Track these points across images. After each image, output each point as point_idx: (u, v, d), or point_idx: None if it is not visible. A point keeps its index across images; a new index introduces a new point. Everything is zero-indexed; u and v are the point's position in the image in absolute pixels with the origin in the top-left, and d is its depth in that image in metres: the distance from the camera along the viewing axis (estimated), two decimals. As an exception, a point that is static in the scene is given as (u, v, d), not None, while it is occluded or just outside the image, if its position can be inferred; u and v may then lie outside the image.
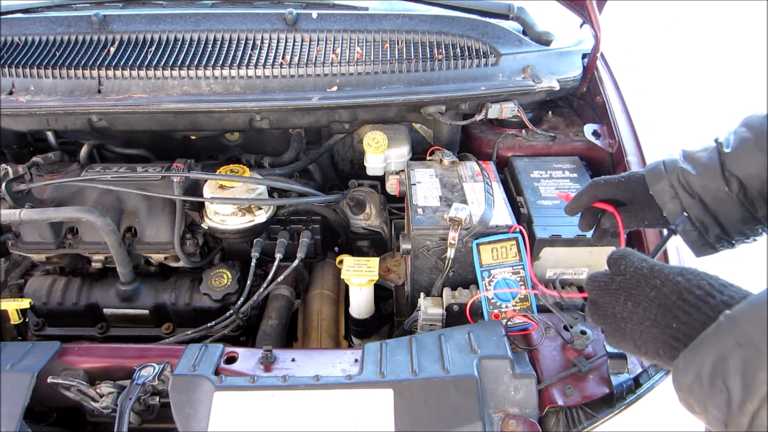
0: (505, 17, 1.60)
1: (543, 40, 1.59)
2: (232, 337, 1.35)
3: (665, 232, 0.89)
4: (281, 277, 1.34)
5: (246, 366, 0.98)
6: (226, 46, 1.47)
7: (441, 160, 1.43)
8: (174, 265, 1.45)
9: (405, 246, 1.19)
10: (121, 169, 1.40)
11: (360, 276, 1.25)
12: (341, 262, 1.30)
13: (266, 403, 0.89)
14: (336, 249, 1.64)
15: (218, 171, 1.36)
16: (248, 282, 1.33)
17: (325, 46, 1.47)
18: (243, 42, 1.48)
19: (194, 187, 1.40)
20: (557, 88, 1.48)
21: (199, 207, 1.39)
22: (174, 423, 0.90)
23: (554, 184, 1.35)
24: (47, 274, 1.43)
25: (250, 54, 1.45)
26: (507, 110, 1.46)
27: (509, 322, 1.05)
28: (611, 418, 0.93)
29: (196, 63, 1.41)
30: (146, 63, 1.41)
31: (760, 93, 4.04)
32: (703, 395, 0.53)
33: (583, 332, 0.99)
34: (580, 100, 1.69)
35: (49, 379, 0.97)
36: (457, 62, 1.45)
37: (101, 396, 0.96)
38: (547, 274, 1.23)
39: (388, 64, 1.43)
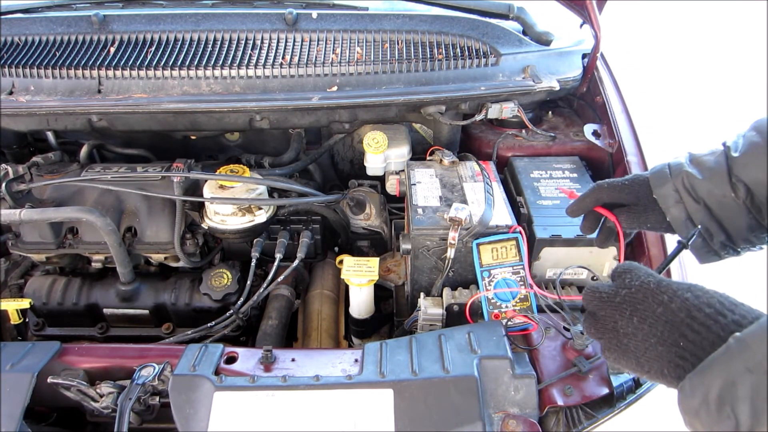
0: (505, 17, 1.60)
1: (543, 40, 1.59)
2: (232, 337, 1.35)
3: (675, 244, 0.84)
4: (281, 277, 1.34)
5: (246, 366, 0.98)
6: (226, 46, 1.47)
7: (441, 160, 1.43)
8: (174, 265, 1.45)
9: (405, 246, 1.19)
10: (121, 169, 1.40)
11: (360, 276, 1.25)
12: (341, 262, 1.30)
13: (266, 403, 0.89)
14: (336, 249, 1.64)
15: (218, 171, 1.36)
16: (248, 282, 1.33)
17: (325, 46, 1.47)
18: (243, 42, 1.48)
19: (194, 187, 1.40)
20: (557, 88, 1.48)
21: (199, 207, 1.39)
22: (174, 423, 0.90)
23: (554, 184, 1.35)
24: (47, 274, 1.43)
25: (250, 54, 1.45)
26: (507, 110, 1.46)
27: (509, 322, 1.05)
28: (611, 418, 0.93)
29: (196, 63, 1.41)
30: (146, 63, 1.41)
31: (760, 93, 4.04)
32: (710, 420, 0.52)
33: (583, 332, 0.99)
34: (580, 100, 1.69)
35: (49, 379, 0.97)
36: (457, 62, 1.45)
37: (101, 396, 0.96)
38: (547, 274, 1.23)
39: (388, 64, 1.43)
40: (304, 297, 1.50)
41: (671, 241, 1.18)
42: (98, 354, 1.04)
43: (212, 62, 1.41)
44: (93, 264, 1.43)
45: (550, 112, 1.68)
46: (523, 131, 1.58)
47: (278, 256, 1.37)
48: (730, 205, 0.79)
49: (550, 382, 0.94)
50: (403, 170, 1.50)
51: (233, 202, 1.33)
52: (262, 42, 1.49)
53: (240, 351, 1.01)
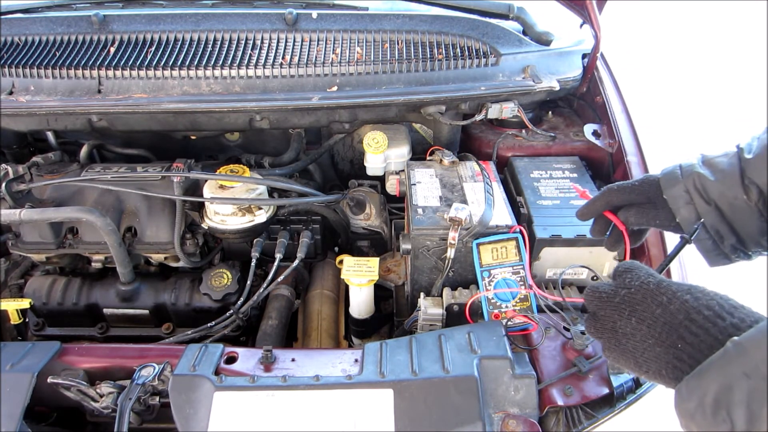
0: (505, 17, 1.60)
1: (543, 40, 1.59)
2: (232, 337, 1.35)
3: (678, 239, 0.84)
4: (281, 277, 1.34)
5: (246, 366, 0.98)
6: (226, 46, 1.47)
7: (441, 160, 1.43)
8: (174, 265, 1.45)
9: (405, 246, 1.19)
10: (121, 169, 1.40)
11: (360, 276, 1.25)
12: (341, 262, 1.30)
13: (266, 403, 0.89)
14: (336, 249, 1.64)
15: (218, 171, 1.36)
16: (248, 282, 1.33)
17: (325, 46, 1.47)
18: (243, 42, 1.48)
19: (194, 187, 1.40)
20: (557, 88, 1.48)
21: (199, 207, 1.39)
22: (174, 423, 0.90)
23: (554, 184, 1.35)
24: (47, 274, 1.43)
25: (250, 54, 1.45)
26: (507, 110, 1.46)
27: (509, 322, 1.05)
28: (611, 418, 0.93)
29: (196, 63, 1.41)
30: (146, 63, 1.41)
31: (760, 93, 4.04)
32: (706, 423, 0.52)
33: (583, 332, 0.99)
34: (580, 100, 1.69)
35: (49, 379, 0.97)
36: (457, 62, 1.45)
37: (101, 396, 0.96)
38: (547, 274, 1.23)
39: (388, 64, 1.43)
40: (304, 297, 1.50)
41: (671, 242, 1.17)
42: (98, 354, 1.04)
43: (212, 62, 1.41)
44: (93, 264, 1.43)
45: (550, 112, 1.68)
46: (523, 131, 1.58)
47: (278, 256, 1.37)
48: (742, 208, 0.78)
49: (550, 382, 0.94)
50: (403, 170, 1.50)
51: (233, 202, 1.33)
52: (262, 42, 1.49)
53: (240, 351, 1.01)
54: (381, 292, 1.42)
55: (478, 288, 1.15)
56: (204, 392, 0.91)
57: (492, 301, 1.12)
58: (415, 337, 1.00)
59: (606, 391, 0.94)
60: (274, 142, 1.74)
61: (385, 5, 1.74)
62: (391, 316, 1.42)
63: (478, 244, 1.15)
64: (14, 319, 1.32)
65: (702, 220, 0.81)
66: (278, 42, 1.49)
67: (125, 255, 1.33)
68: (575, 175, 1.39)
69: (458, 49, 1.48)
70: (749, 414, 0.48)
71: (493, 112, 1.46)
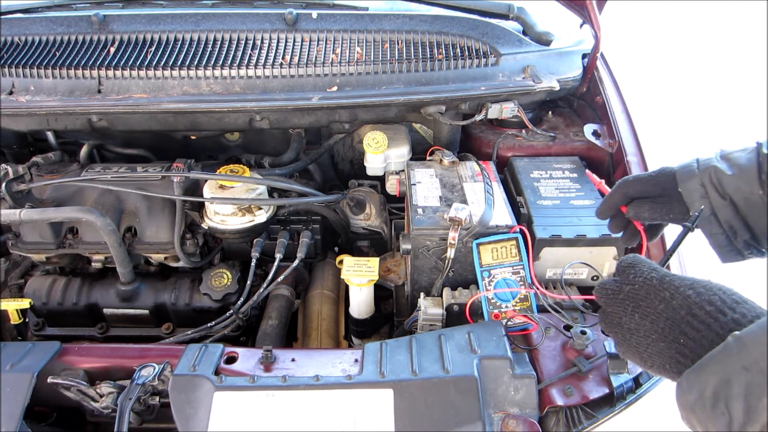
0: (505, 17, 1.60)
1: (543, 40, 1.59)
2: (232, 337, 1.35)
3: (681, 228, 0.84)
4: (281, 277, 1.34)
5: (246, 366, 0.98)
6: (226, 46, 1.47)
7: (441, 160, 1.43)
8: (174, 265, 1.45)
9: (405, 246, 1.19)
10: (121, 169, 1.40)
11: (360, 276, 1.25)
12: (341, 262, 1.29)
13: (266, 403, 0.89)
14: (336, 249, 1.64)
15: (218, 171, 1.36)
16: (248, 282, 1.33)
17: (325, 46, 1.47)
18: (243, 42, 1.48)
19: (194, 187, 1.40)
20: (557, 88, 1.47)
21: (199, 207, 1.39)
22: (174, 423, 0.90)
23: (554, 184, 1.35)
24: (47, 274, 1.43)
25: (250, 54, 1.45)
26: (507, 110, 1.46)
27: (509, 322, 1.05)
28: (611, 418, 0.93)
29: (196, 63, 1.41)
30: (146, 63, 1.41)
31: (760, 92, 4.05)
32: (705, 416, 0.52)
33: (583, 332, 0.99)
34: (580, 100, 1.69)
35: (49, 379, 0.97)
36: (457, 62, 1.45)
37: (101, 396, 0.96)
38: (547, 274, 1.23)
39: (388, 64, 1.43)
40: (304, 297, 1.50)
41: (670, 239, 1.17)
42: (98, 354, 1.04)
43: (212, 62, 1.41)
44: (93, 264, 1.43)
45: (550, 112, 1.68)
46: (523, 131, 1.58)
47: (278, 256, 1.37)
48: (758, 203, 0.78)
49: (550, 382, 0.94)
50: (403, 170, 1.50)
51: (233, 202, 1.33)
52: (262, 42, 1.49)
53: (240, 351, 1.01)
54: (381, 292, 1.42)
55: (478, 288, 1.15)
56: (204, 392, 0.91)
57: (492, 301, 1.12)
58: (415, 337, 1.00)
59: (606, 391, 0.93)
60: (274, 142, 1.74)
61: (385, 5, 1.74)
62: (391, 316, 1.42)
63: (478, 244, 1.15)
64: (14, 319, 1.32)
65: (702, 207, 0.81)
66: (278, 42, 1.49)
67: (125, 255, 1.33)
68: (575, 175, 1.39)
69: (458, 49, 1.48)
70: (747, 407, 0.49)
71: (493, 112, 1.46)
